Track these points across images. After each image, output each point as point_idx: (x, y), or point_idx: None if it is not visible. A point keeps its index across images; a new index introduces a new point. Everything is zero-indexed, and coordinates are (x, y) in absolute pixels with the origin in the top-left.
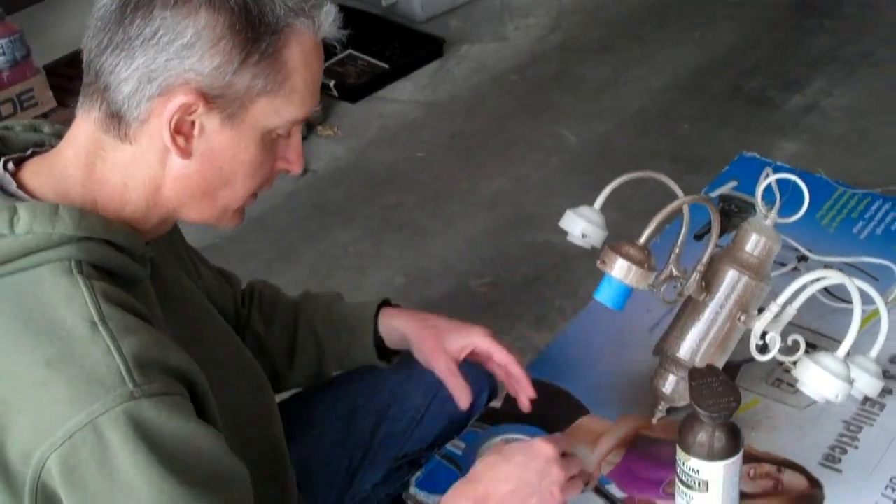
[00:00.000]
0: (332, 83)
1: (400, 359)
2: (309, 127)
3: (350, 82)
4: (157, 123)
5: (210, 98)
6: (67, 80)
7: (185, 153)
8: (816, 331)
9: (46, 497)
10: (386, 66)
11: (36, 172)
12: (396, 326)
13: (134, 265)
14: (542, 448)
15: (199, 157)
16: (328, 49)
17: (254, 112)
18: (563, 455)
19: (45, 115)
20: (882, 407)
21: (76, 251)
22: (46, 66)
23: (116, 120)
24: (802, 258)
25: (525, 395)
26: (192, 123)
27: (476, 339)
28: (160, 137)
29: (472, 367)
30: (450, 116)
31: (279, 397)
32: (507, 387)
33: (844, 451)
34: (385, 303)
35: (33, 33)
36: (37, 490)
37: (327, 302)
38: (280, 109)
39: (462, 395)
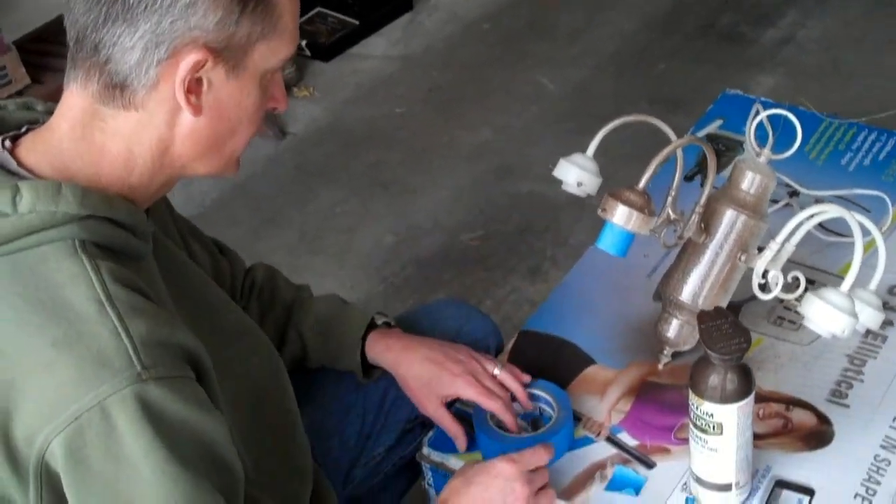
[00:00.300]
0: (303, 43)
1: (406, 321)
2: (286, 88)
3: (322, 41)
4: (167, 86)
5: (217, 52)
6: (39, 55)
7: (197, 110)
8: (813, 266)
9: (49, 480)
10: (356, 22)
11: (31, 150)
12: (381, 363)
13: (136, 241)
14: (501, 468)
15: (208, 112)
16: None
17: (254, 57)
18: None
19: (19, 93)
20: (884, 339)
21: (79, 230)
22: (15, 41)
23: (119, 90)
24: (794, 193)
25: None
26: (200, 80)
27: (460, 391)
28: (169, 100)
29: (478, 318)
30: (425, 69)
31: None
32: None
33: (850, 386)
34: (374, 323)
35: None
36: (41, 473)
37: (320, 312)
38: (276, 50)
39: (456, 437)
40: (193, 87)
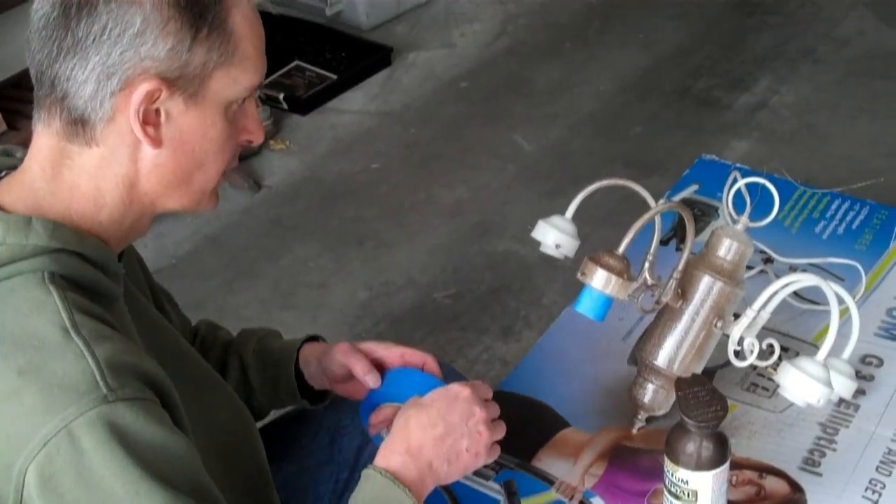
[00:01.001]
0: (281, 96)
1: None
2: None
3: (299, 94)
4: (124, 118)
5: (170, 81)
6: (14, 102)
7: (157, 142)
8: (787, 333)
9: None
10: (334, 76)
11: (6, 192)
12: (314, 353)
13: (106, 280)
14: (459, 390)
15: (170, 144)
16: (275, 60)
17: (213, 86)
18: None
19: None
20: (857, 408)
21: (49, 262)
22: None
23: (80, 125)
24: (768, 260)
25: None
26: (158, 111)
27: (380, 351)
28: (128, 133)
29: (454, 376)
30: (403, 126)
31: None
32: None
33: (823, 454)
34: (314, 338)
35: None
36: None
37: (260, 336)
38: (237, 78)
39: (366, 374)
40: (151, 119)
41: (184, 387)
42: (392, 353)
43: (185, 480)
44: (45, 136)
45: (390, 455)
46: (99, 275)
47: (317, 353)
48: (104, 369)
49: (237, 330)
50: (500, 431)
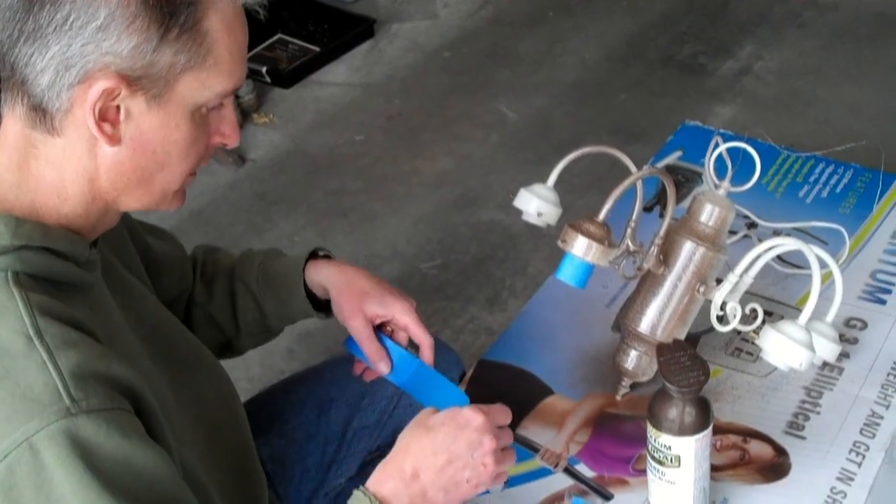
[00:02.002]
0: (263, 69)
1: None
2: (244, 115)
3: (282, 67)
4: (81, 112)
5: (132, 80)
6: None
7: (114, 140)
8: (771, 297)
9: None
10: (317, 48)
11: None
12: (321, 282)
13: (77, 271)
14: (471, 417)
15: (130, 143)
16: (257, 33)
17: (180, 89)
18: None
19: None
20: (840, 371)
21: (13, 261)
22: None
23: (41, 113)
24: (752, 225)
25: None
26: (118, 108)
27: (396, 313)
28: (86, 127)
29: (443, 349)
30: (386, 97)
31: (250, 391)
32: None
33: (807, 418)
34: (315, 253)
35: None
36: None
37: (261, 260)
38: (207, 83)
39: (378, 361)
40: (110, 116)
41: (168, 363)
42: (397, 323)
43: (152, 494)
44: (10, 120)
45: (384, 479)
46: (70, 266)
47: (324, 286)
48: (67, 380)
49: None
50: (510, 461)
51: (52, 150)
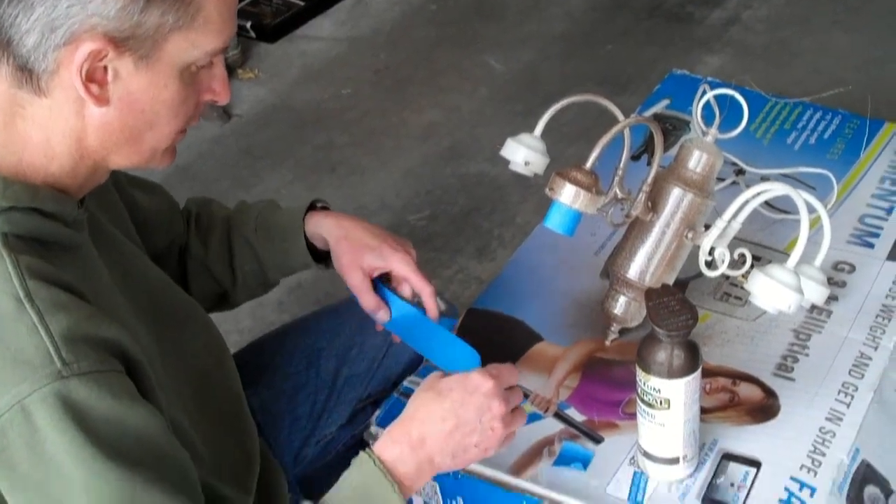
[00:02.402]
0: (248, 24)
1: None
2: (229, 71)
3: (266, 22)
4: (68, 74)
5: (119, 41)
6: None
7: (102, 101)
8: (759, 243)
9: None
10: (301, 2)
11: None
12: (320, 234)
13: (66, 231)
14: (480, 382)
15: (118, 103)
16: None
17: (168, 49)
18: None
19: None
20: (829, 314)
21: (1, 223)
22: None
23: (27, 73)
24: (740, 172)
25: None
26: (105, 69)
27: (394, 264)
28: (73, 88)
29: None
30: (373, 51)
31: (240, 343)
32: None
33: (796, 360)
34: (314, 205)
35: None
36: None
37: (258, 211)
38: (196, 42)
39: (376, 311)
40: (98, 77)
41: (156, 319)
42: (397, 275)
43: (145, 453)
44: None
45: (391, 444)
46: (58, 226)
47: (324, 238)
48: (59, 343)
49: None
50: (519, 421)
51: (39, 111)
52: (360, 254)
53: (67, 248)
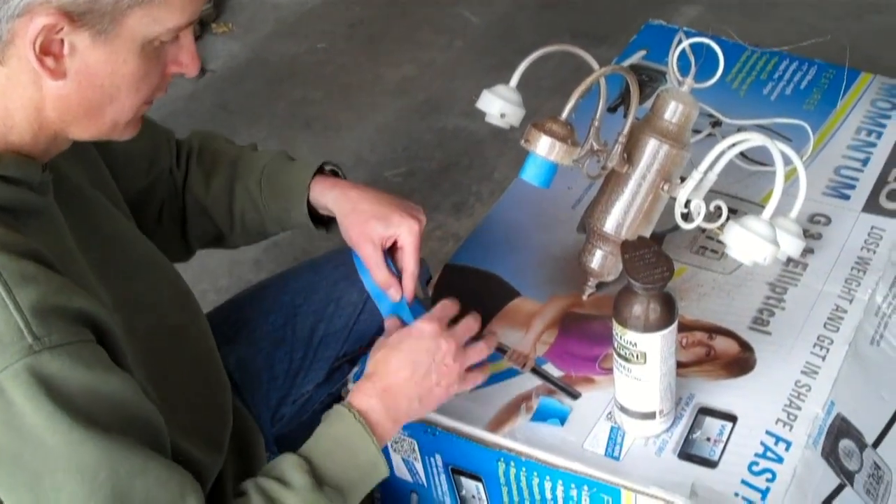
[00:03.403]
0: None
1: (336, 257)
2: (202, 25)
3: None
4: (23, 45)
5: (75, 16)
6: None
7: (57, 74)
8: (735, 195)
9: None
10: None
11: None
12: (326, 205)
13: (31, 195)
14: (423, 327)
15: (75, 77)
16: None
17: (128, 24)
18: (453, 324)
19: None
20: (804, 266)
21: None
22: None
23: None
24: (716, 123)
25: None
26: (62, 42)
27: (402, 233)
28: (28, 59)
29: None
30: (347, 4)
31: (216, 301)
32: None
33: (772, 314)
34: (322, 168)
35: None
36: None
37: (265, 162)
38: (159, 18)
39: (388, 289)
40: (53, 50)
41: (121, 275)
42: (400, 241)
43: (122, 419)
44: None
45: (361, 397)
46: (23, 192)
47: (329, 207)
48: (28, 317)
49: None
50: (474, 356)
51: None
52: (368, 226)
53: (32, 214)
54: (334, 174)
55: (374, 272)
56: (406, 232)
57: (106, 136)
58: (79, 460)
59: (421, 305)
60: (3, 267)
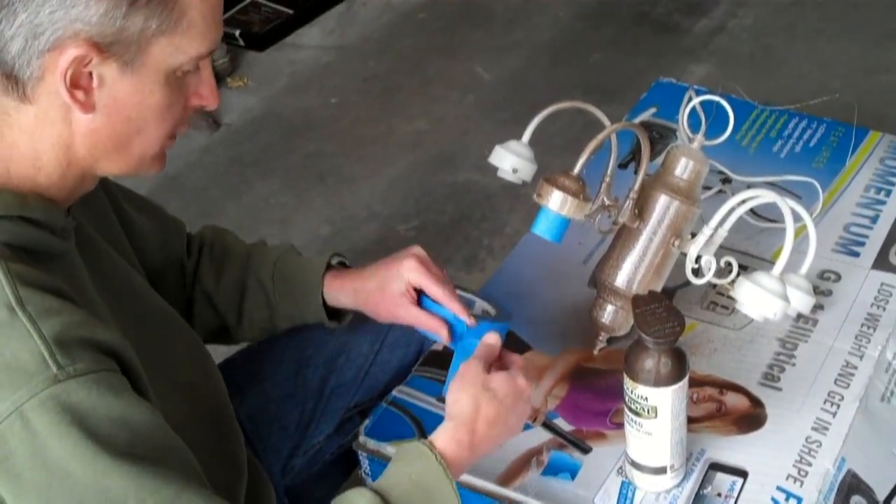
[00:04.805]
0: (237, 32)
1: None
2: (218, 79)
3: (255, 30)
4: (53, 80)
5: (103, 47)
6: None
7: (87, 107)
8: (745, 251)
9: None
10: (291, 11)
11: None
12: (341, 301)
13: (54, 240)
14: (524, 387)
15: (104, 109)
16: None
17: (153, 54)
18: None
19: None
20: (815, 323)
21: None
22: None
23: (12, 81)
24: (726, 180)
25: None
26: (90, 75)
27: (411, 278)
28: (59, 94)
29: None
30: (361, 59)
31: (227, 352)
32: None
33: (783, 369)
34: (331, 263)
35: None
36: None
37: (277, 256)
38: (181, 47)
39: (439, 331)
40: (83, 83)
41: (139, 328)
42: (413, 283)
43: (149, 448)
44: None
45: (454, 445)
46: (46, 235)
47: (350, 302)
48: (53, 347)
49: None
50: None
51: (25, 118)
52: (387, 293)
53: (55, 257)
54: (342, 265)
55: (421, 325)
56: (412, 273)
57: (134, 170)
58: (107, 490)
59: (491, 322)
60: (27, 300)
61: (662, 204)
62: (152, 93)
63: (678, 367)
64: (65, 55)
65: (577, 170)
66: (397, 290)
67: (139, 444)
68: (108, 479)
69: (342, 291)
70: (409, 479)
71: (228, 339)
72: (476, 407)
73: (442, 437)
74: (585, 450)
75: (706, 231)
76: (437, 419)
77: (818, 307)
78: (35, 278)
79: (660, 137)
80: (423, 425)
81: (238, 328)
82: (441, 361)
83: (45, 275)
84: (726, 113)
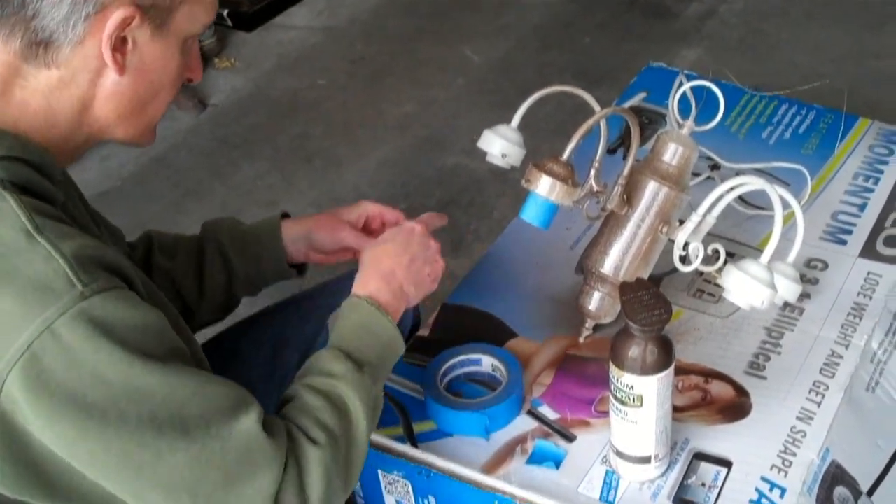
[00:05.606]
0: (225, 12)
1: (326, 289)
2: (205, 59)
3: (243, 10)
4: (93, 42)
5: (144, 9)
6: None
7: (122, 69)
8: (733, 239)
9: (4, 426)
10: None
11: None
12: (297, 230)
13: (53, 187)
14: (413, 226)
15: (132, 72)
16: None
17: (177, 20)
18: None
19: None
20: (801, 311)
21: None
22: None
23: (42, 47)
24: (715, 166)
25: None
26: (125, 39)
27: (366, 206)
28: (94, 57)
29: None
30: (350, 41)
31: (206, 334)
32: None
33: (768, 358)
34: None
35: None
36: None
37: (230, 222)
38: (197, 15)
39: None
40: (119, 46)
41: None
42: (373, 214)
43: (169, 348)
44: (1, 52)
45: (367, 283)
46: (45, 181)
47: (303, 230)
48: (74, 265)
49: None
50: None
51: (45, 81)
52: (336, 216)
53: (53, 202)
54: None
55: (359, 243)
56: (366, 203)
57: (139, 136)
58: (142, 391)
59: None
60: (44, 226)
61: (651, 190)
62: (173, 58)
63: (664, 355)
64: (113, 17)
65: (565, 155)
66: (348, 215)
67: (161, 346)
68: (143, 381)
69: (298, 225)
70: (352, 326)
71: (190, 320)
72: (372, 256)
73: (358, 286)
74: (570, 438)
75: (694, 218)
76: (422, 405)
77: (805, 296)
78: (45, 208)
79: (649, 122)
80: (408, 411)
81: (199, 305)
82: (427, 348)
83: (53, 208)
84: (716, 98)
